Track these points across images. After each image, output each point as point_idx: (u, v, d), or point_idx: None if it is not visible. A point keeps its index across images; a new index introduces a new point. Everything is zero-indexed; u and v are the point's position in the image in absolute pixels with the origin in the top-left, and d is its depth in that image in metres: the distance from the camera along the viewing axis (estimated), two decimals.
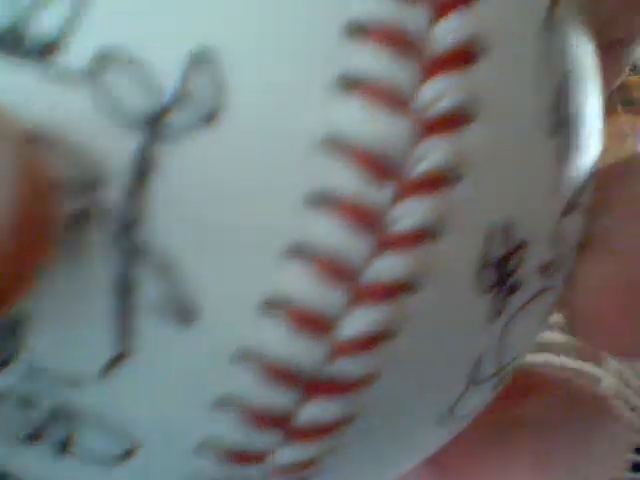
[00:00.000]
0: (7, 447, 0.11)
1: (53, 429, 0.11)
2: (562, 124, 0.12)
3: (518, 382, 0.17)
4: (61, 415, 0.10)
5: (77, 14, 0.09)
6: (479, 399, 0.13)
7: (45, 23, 0.09)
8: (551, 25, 0.11)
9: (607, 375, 0.62)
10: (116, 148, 0.09)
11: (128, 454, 0.11)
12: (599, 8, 0.13)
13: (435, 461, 0.14)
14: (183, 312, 0.10)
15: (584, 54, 0.12)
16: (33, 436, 0.11)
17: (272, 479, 0.11)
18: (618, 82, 0.16)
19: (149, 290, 0.10)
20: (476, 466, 0.16)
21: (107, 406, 0.10)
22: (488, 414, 0.15)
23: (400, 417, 0.12)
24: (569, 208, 0.12)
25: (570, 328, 0.14)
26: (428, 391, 0.12)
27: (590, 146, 0.12)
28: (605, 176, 0.14)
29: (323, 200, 0.10)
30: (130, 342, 0.10)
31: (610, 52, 0.14)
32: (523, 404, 0.16)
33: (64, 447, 0.11)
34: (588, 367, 0.59)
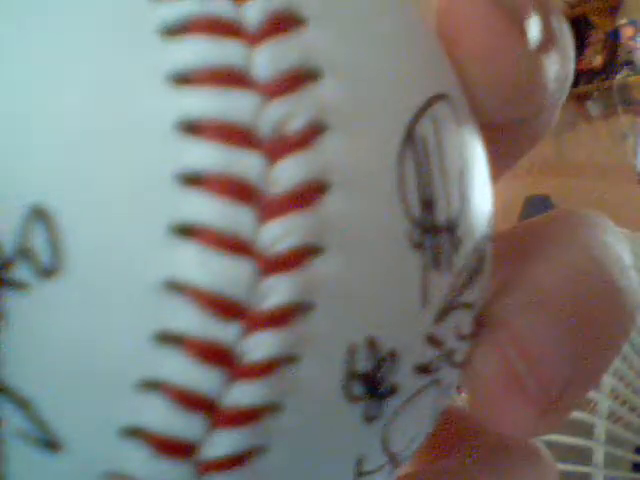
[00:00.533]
0: None
1: None
2: (431, 233, 0.12)
3: (450, 430, 0.16)
4: None
5: None
6: None
7: None
8: (407, 148, 0.12)
9: (602, 397, 0.62)
10: None
11: None
12: (486, 102, 0.13)
13: None
14: (46, 442, 0.10)
15: (457, 154, 0.12)
16: None
17: None
18: (534, 145, 0.16)
19: (13, 422, 0.10)
20: None
21: None
22: (415, 465, 0.15)
23: None
24: (445, 311, 0.12)
25: (469, 406, 0.14)
26: None
27: (470, 243, 0.13)
28: (508, 248, 0.14)
29: (169, 339, 0.10)
30: (3, 467, 0.11)
31: (514, 129, 0.14)
32: (452, 454, 0.15)
33: None
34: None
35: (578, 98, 2.33)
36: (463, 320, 0.13)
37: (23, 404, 0.10)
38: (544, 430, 0.14)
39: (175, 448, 0.10)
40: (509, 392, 0.13)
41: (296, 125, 0.10)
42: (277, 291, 0.10)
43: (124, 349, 0.10)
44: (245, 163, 0.10)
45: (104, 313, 0.10)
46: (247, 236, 0.10)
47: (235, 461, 0.11)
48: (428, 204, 0.12)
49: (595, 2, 2.38)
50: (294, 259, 0.10)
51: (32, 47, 0.10)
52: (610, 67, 2.29)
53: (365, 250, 0.11)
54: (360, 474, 0.12)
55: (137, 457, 0.10)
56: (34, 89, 0.10)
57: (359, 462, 0.12)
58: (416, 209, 0.12)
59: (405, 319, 0.12)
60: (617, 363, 0.67)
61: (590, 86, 2.32)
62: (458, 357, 0.13)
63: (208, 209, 0.10)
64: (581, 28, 2.36)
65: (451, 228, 0.12)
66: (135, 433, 0.10)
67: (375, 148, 0.11)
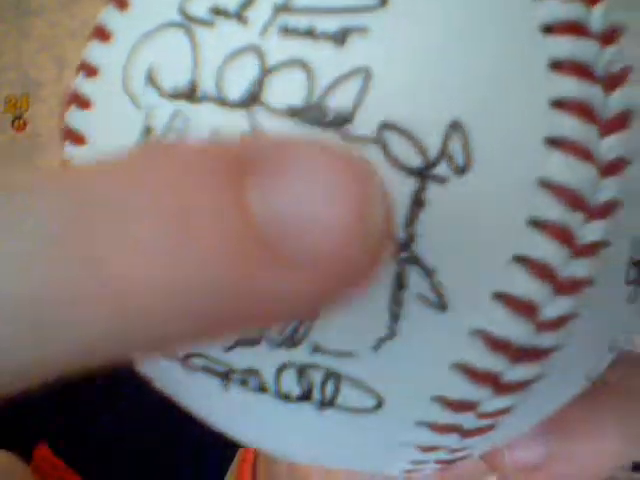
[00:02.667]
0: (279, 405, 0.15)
1: (322, 389, 0.14)
2: None
3: None
4: (331, 379, 0.14)
5: (363, 95, 0.13)
6: (604, 364, 0.16)
7: (340, 101, 0.13)
8: None
9: None
10: (398, 189, 0.13)
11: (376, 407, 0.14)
12: None
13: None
14: (439, 304, 0.13)
15: None
16: (304, 396, 0.14)
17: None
18: None
19: (418, 287, 0.13)
20: (568, 422, 0.18)
21: (370, 372, 0.14)
22: None
23: (573, 373, 0.16)
24: None
25: None
26: (589, 356, 0.16)
27: None
28: None
29: (537, 224, 0.13)
30: (398, 325, 0.13)
31: None
32: (613, 368, 0.17)
33: (330, 402, 0.14)
34: None
35: None
36: None
37: (429, 272, 0.13)
38: None
39: (527, 309, 0.14)
40: None
41: (617, 66, 0.14)
42: (607, 190, 0.14)
43: (507, 230, 0.13)
44: (592, 92, 0.13)
45: (495, 202, 0.13)
46: (593, 147, 0.13)
47: (561, 322, 0.14)
48: None
49: None
50: (618, 167, 0.14)
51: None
52: None
53: None
54: (611, 348, 0.16)
55: (498, 317, 0.14)
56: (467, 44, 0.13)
57: (615, 336, 0.16)
58: None
59: None
60: None
61: None
62: None
63: (569, 126, 0.13)
64: None
65: None
66: (501, 298, 0.13)
67: None
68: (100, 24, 0.15)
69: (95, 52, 0.15)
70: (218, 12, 0.14)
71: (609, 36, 0.14)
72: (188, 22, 0.14)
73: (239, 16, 0.13)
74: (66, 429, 0.34)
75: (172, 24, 0.14)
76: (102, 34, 0.15)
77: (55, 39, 1.34)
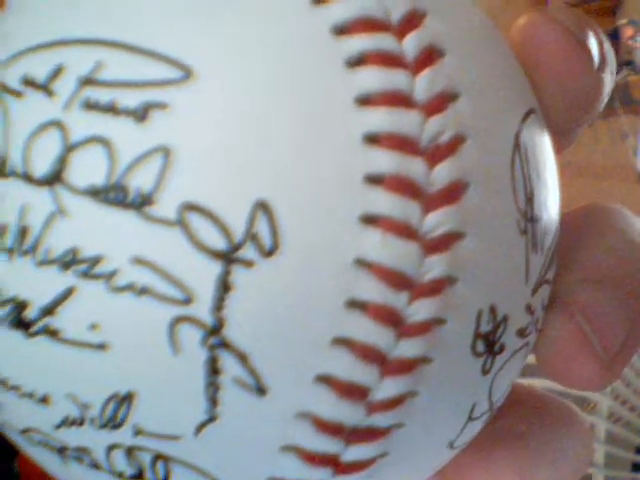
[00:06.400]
0: None
1: (153, 470, 0.14)
2: (531, 222, 0.15)
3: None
4: (160, 461, 0.14)
5: (163, 175, 0.12)
6: (473, 431, 0.16)
7: (141, 181, 0.12)
8: (516, 152, 0.15)
9: (602, 398, 0.62)
10: (204, 273, 0.12)
11: None
12: (557, 115, 0.17)
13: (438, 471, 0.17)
14: (257, 388, 0.13)
15: (543, 156, 0.16)
16: (137, 475, 0.14)
17: None
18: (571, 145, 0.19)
19: (232, 371, 0.13)
20: (469, 474, 0.18)
21: (198, 455, 0.14)
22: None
23: (426, 446, 0.15)
24: (538, 285, 0.15)
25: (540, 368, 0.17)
26: (443, 428, 0.15)
27: (551, 231, 0.16)
28: (568, 231, 0.17)
29: (357, 305, 0.13)
30: (217, 410, 0.13)
31: (566, 135, 0.18)
32: (505, 416, 0.18)
33: None
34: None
35: None
36: (545, 293, 0.16)
37: (242, 357, 0.13)
38: (607, 382, 0.17)
39: (354, 392, 0.13)
40: (579, 351, 0.16)
41: (446, 137, 0.13)
42: (435, 267, 0.13)
43: (324, 313, 0.13)
44: (413, 167, 0.13)
45: (310, 284, 0.13)
46: (415, 224, 0.13)
47: (395, 402, 0.13)
48: (530, 198, 0.15)
49: (595, 2, 2.38)
50: (446, 242, 0.13)
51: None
52: None
53: (492, 235, 0.14)
54: (471, 418, 0.15)
55: (325, 400, 0.13)
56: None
57: (472, 408, 0.15)
58: (522, 202, 0.14)
59: (515, 291, 0.15)
60: None
61: None
62: (539, 324, 0.16)
63: (387, 203, 0.13)
64: None
65: (543, 217, 0.15)
66: (324, 381, 0.13)
67: (497, 153, 0.14)
68: None
69: None
70: (27, 82, 0.13)
71: (435, 105, 0.13)
72: (1, 92, 0.13)
73: (46, 88, 0.13)
74: None
75: None
76: None
77: None
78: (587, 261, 0.17)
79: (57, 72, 0.13)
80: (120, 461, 0.14)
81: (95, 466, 0.14)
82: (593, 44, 0.17)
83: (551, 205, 0.16)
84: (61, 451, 0.14)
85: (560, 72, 0.16)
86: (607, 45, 0.17)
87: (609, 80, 0.17)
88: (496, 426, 0.17)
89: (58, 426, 0.14)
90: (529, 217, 0.15)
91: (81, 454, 0.14)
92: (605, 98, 0.17)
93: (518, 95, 0.16)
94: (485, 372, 0.15)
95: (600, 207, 0.19)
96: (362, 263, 0.13)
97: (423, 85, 0.13)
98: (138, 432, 0.13)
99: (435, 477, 0.17)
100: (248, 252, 0.12)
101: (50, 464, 0.15)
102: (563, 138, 0.18)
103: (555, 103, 0.16)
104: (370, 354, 0.13)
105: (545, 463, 0.18)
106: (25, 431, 0.14)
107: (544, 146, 0.16)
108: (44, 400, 0.13)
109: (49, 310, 0.13)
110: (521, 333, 0.15)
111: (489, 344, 0.14)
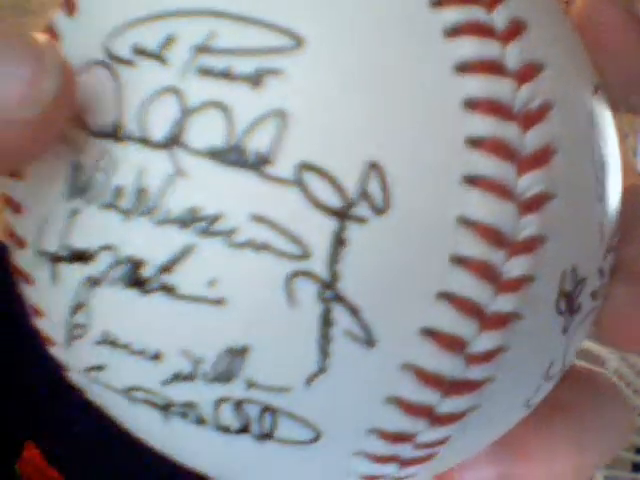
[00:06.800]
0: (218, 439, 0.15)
1: (260, 423, 0.14)
2: (604, 189, 0.16)
3: None
4: (268, 413, 0.14)
5: (280, 137, 0.13)
6: (545, 391, 0.17)
7: (258, 143, 0.13)
8: (592, 123, 0.16)
9: (611, 357, 0.63)
10: (320, 229, 0.13)
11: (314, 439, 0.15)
12: (616, 92, 0.17)
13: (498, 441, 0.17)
14: (366, 340, 0.14)
15: (610, 129, 0.17)
16: (243, 429, 0.15)
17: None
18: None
19: (344, 324, 0.13)
20: (527, 443, 0.18)
21: (305, 406, 0.14)
22: None
23: (509, 402, 0.16)
24: (608, 250, 0.16)
25: (598, 336, 0.18)
26: (525, 385, 0.16)
27: (617, 200, 0.17)
28: (627, 206, 0.18)
29: (460, 261, 0.14)
30: (327, 362, 0.14)
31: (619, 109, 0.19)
32: (560, 387, 0.18)
33: (268, 435, 0.15)
34: (594, 347, 0.61)
35: None
36: (612, 260, 0.17)
37: (354, 310, 0.13)
38: None
39: (455, 344, 0.14)
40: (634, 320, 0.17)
41: (536, 104, 0.14)
42: (528, 226, 0.14)
43: (430, 268, 0.14)
44: (508, 131, 0.14)
45: (417, 240, 0.13)
46: (511, 185, 0.14)
47: (490, 356, 0.14)
48: (602, 167, 0.16)
49: None
50: (538, 203, 0.14)
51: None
52: None
53: (577, 198, 0.15)
54: (546, 378, 0.16)
55: (428, 352, 0.14)
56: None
57: (550, 367, 0.16)
58: (599, 170, 0.15)
59: (593, 253, 0.16)
60: (617, 363, 0.68)
61: None
62: (603, 290, 0.17)
63: (486, 164, 0.13)
64: None
65: (612, 186, 0.16)
66: (428, 333, 0.14)
67: (578, 122, 0.15)
68: None
69: None
70: (138, 52, 0.14)
71: (525, 74, 0.14)
72: (111, 61, 0.14)
73: (158, 56, 0.13)
74: (49, 429, 0.35)
75: (96, 62, 0.14)
76: None
77: None
78: None
79: (169, 41, 0.13)
80: (227, 415, 0.14)
81: (200, 421, 0.15)
82: None
83: (617, 177, 0.17)
84: (165, 408, 0.15)
85: (620, 50, 0.17)
86: None
87: None
88: (552, 396, 0.18)
89: (168, 382, 0.14)
90: (603, 185, 0.16)
91: (187, 409, 0.15)
92: None
93: (587, 70, 0.16)
94: (564, 331, 0.15)
95: None
96: (464, 221, 0.13)
97: (513, 55, 0.14)
98: (250, 385, 0.14)
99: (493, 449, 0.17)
100: (361, 209, 0.13)
101: (146, 424, 0.16)
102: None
103: (614, 80, 0.17)
104: (471, 308, 0.14)
105: (598, 433, 0.19)
106: (129, 390, 0.15)
107: (609, 120, 0.17)
108: (156, 357, 0.14)
109: (167, 267, 0.13)
110: (594, 295, 0.16)
111: (570, 303, 0.15)
